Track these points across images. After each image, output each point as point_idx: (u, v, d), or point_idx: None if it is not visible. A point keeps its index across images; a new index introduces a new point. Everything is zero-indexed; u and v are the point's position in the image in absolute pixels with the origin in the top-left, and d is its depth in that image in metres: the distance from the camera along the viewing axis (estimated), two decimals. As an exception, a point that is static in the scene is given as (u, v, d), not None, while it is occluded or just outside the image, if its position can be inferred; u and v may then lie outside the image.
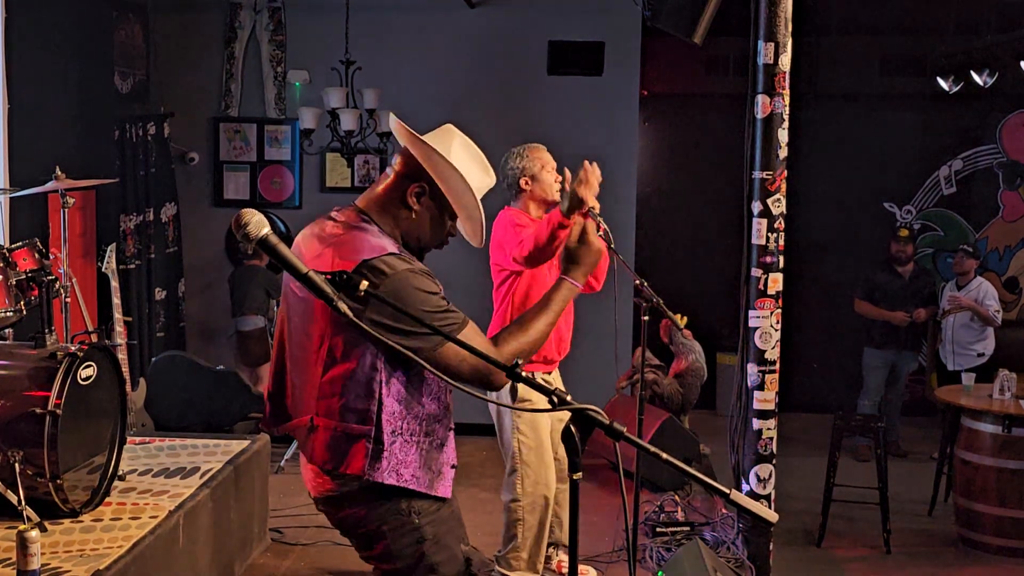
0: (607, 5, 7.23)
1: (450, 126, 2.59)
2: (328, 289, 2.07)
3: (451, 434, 2.60)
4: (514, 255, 4.06)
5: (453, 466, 2.59)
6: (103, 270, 5.09)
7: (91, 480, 3.82)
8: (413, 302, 2.34)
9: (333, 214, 2.55)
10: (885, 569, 5.26)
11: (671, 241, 8.56)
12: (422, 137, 2.51)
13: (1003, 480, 5.35)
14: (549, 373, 4.41)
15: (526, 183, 4.31)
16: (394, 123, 2.54)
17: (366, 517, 2.49)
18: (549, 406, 2.00)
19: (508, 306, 4.26)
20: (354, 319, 2.06)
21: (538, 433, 4.30)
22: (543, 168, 4.31)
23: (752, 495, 4.70)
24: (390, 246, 2.42)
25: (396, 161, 2.56)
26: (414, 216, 2.51)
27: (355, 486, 2.46)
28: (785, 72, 4.58)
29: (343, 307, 2.06)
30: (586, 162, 3.72)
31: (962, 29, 8.01)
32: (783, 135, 4.62)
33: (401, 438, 2.44)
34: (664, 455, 1.98)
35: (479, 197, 2.54)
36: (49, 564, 3.27)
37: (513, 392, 4.11)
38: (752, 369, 4.73)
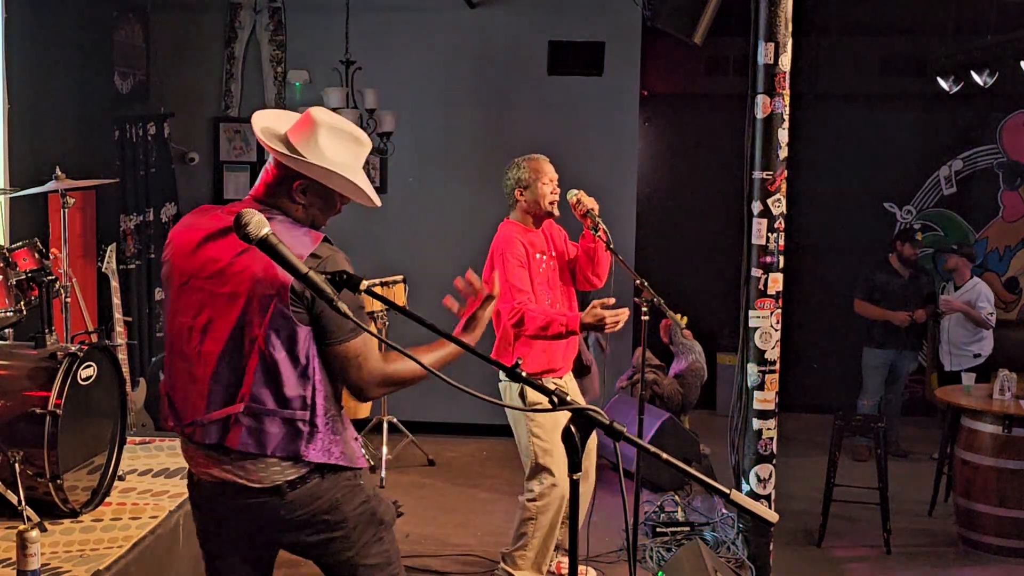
0: (607, 5, 7.22)
1: (309, 112, 2.55)
2: (328, 289, 2.13)
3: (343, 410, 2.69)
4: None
5: (356, 438, 2.68)
6: (103, 270, 5.08)
7: (91, 480, 3.82)
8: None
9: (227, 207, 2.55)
10: (885, 569, 5.26)
11: (671, 241, 8.55)
12: (291, 142, 2.49)
13: (1003, 480, 5.35)
14: (560, 379, 4.41)
15: (519, 193, 4.35)
16: (258, 136, 2.53)
17: (318, 490, 2.54)
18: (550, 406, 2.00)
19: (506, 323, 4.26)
20: (353, 319, 2.15)
21: (554, 434, 4.29)
22: (538, 179, 4.32)
23: (752, 495, 4.70)
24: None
25: (270, 162, 2.55)
26: (304, 207, 2.53)
27: (303, 470, 2.51)
28: (785, 72, 4.59)
29: (343, 307, 2.12)
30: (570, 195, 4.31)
31: (962, 29, 8.00)
32: (783, 135, 4.62)
33: (330, 419, 2.53)
34: (664, 455, 1.98)
35: (359, 169, 2.56)
36: (49, 564, 3.27)
37: (523, 395, 4.16)
38: (752, 369, 4.73)
